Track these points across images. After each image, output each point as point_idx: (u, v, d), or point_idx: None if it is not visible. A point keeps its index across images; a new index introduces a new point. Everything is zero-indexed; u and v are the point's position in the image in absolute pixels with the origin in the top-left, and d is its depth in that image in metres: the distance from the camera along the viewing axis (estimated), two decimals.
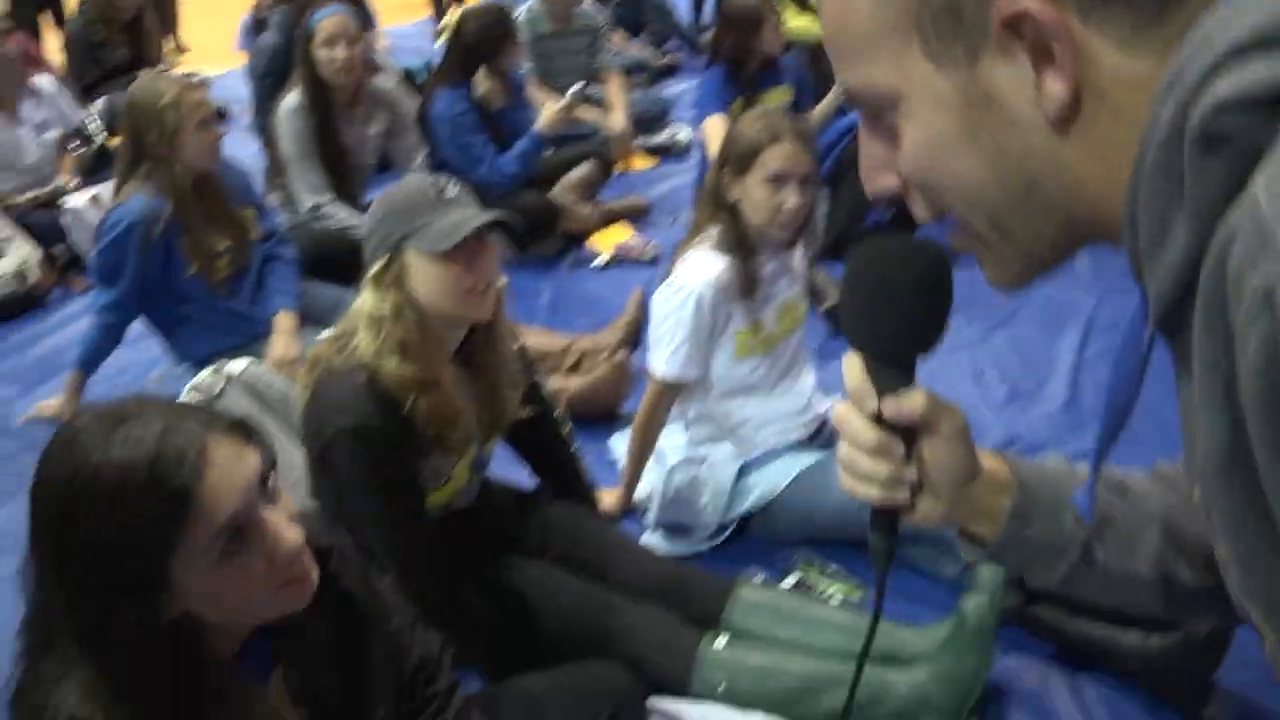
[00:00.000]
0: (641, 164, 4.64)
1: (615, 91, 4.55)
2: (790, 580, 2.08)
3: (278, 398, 2.15)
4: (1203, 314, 0.46)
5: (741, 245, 2.07)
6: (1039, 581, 0.82)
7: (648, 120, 4.81)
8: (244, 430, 1.02)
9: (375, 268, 1.63)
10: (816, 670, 1.73)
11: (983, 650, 1.67)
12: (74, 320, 3.40)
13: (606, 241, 3.79)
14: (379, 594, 1.26)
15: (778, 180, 2.01)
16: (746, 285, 2.09)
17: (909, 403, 0.71)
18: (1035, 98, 0.53)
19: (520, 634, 1.72)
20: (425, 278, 1.60)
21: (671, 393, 2.15)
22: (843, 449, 0.73)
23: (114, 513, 0.92)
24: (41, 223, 3.70)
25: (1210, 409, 0.47)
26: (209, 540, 0.95)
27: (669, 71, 6.13)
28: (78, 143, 4.08)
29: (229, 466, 0.97)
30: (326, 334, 1.75)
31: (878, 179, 0.61)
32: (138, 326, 2.80)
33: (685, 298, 2.05)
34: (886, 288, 0.69)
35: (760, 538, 2.20)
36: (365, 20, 5.12)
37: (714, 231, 2.11)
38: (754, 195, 2.03)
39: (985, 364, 2.93)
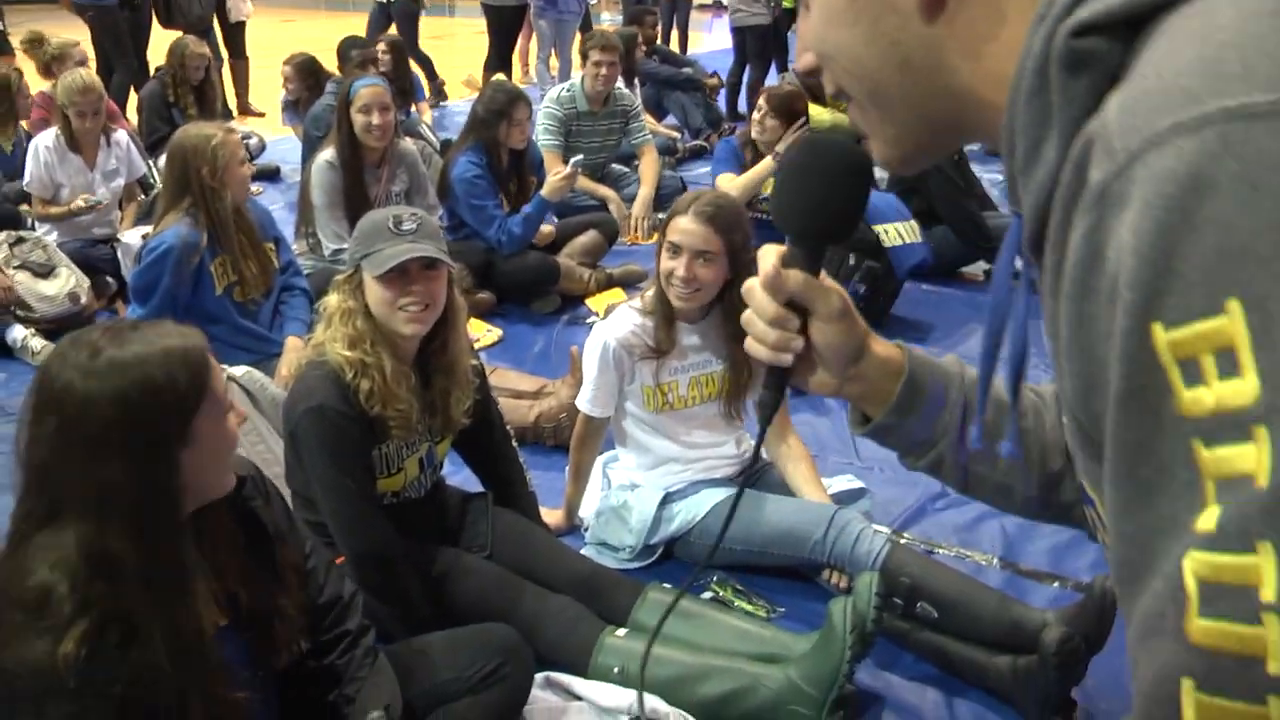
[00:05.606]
0: (648, 240, 4.90)
1: (647, 166, 4.96)
2: (705, 596, 2.29)
3: (269, 400, 2.47)
4: (1058, 216, 0.50)
5: (658, 308, 2.30)
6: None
7: (666, 195, 5.00)
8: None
9: (343, 276, 1.97)
10: (701, 662, 1.94)
11: (845, 647, 1.85)
12: None
13: (601, 303, 4.07)
14: (295, 526, 1.51)
15: (674, 250, 2.24)
16: (654, 348, 2.31)
17: (790, 279, 0.80)
18: None
19: (437, 607, 1.97)
20: (371, 292, 1.93)
21: (593, 424, 2.42)
22: (747, 314, 0.82)
23: (148, 378, 1.17)
24: (100, 255, 4.32)
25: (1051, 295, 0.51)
26: (220, 396, 1.26)
27: (699, 153, 6.53)
28: (140, 190, 4.73)
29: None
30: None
31: (801, 57, 0.69)
32: None
33: (597, 346, 2.34)
34: (803, 171, 0.81)
35: (684, 561, 2.42)
36: (408, 93, 5.62)
37: (649, 293, 2.36)
38: (661, 261, 2.28)
39: None
